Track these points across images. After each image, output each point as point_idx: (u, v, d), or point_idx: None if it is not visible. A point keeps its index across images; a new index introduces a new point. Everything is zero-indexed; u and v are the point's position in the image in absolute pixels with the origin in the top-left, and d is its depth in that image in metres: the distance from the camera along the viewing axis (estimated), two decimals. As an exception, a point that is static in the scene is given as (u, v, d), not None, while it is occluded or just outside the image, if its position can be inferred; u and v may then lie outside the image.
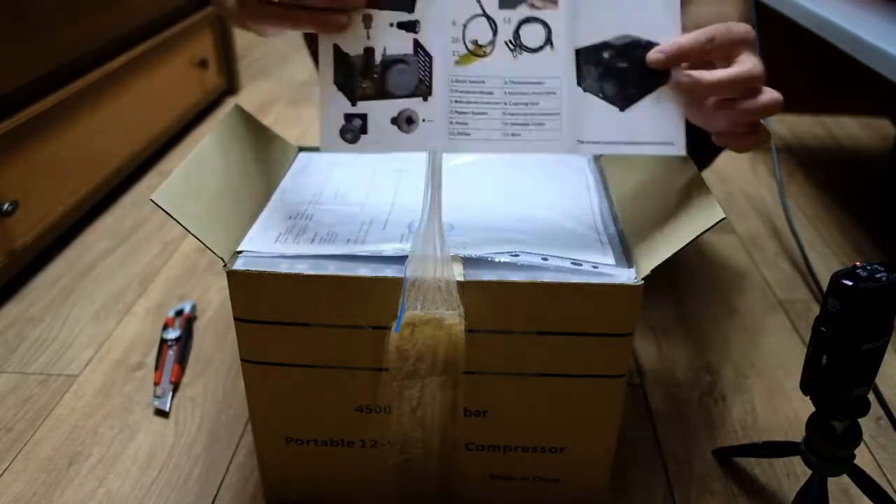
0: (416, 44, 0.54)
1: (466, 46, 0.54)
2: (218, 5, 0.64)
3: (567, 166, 0.72)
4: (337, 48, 0.54)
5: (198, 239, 0.53)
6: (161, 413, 0.78)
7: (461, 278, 0.54)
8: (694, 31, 0.54)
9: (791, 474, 0.71)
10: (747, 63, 0.53)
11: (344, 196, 0.66)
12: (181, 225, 0.52)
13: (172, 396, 0.80)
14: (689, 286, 1.02)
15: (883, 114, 1.62)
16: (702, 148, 0.70)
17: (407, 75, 0.54)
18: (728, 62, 0.54)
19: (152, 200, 0.51)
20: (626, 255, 0.58)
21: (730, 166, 1.39)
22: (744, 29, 0.54)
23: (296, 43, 1.97)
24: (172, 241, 1.11)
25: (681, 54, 0.54)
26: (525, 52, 0.54)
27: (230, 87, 1.75)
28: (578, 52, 0.55)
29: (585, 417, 0.60)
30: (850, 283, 0.51)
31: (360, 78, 0.54)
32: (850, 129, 1.58)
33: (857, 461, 0.60)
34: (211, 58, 1.61)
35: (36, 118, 1.01)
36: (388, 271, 0.55)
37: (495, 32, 0.54)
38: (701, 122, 0.57)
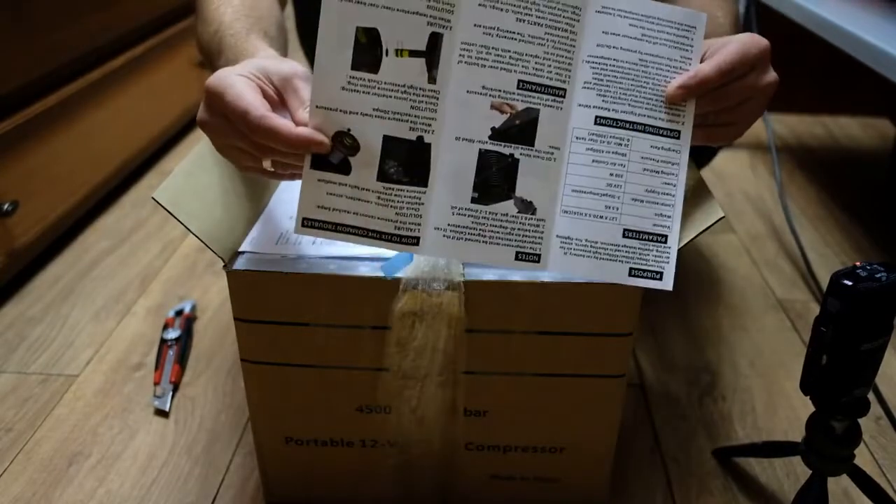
0: None
1: None
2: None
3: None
4: None
5: (199, 238, 0.53)
6: (161, 413, 0.78)
7: (461, 278, 0.54)
8: (712, 59, 0.53)
9: (791, 474, 0.71)
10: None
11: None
12: (182, 224, 0.52)
13: (172, 396, 0.80)
14: (688, 286, 1.02)
15: (883, 114, 1.62)
16: (701, 147, 0.70)
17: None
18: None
19: (154, 199, 0.51)
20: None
21: (730, 166, 1.39)
22: (759, 48, 0.53)
23: (293, 44, 1.96)
24: (172, 241, 1.11)
25: (702, 86, 0.53)
26: None
27: (230, 87, 1.75)
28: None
29: (585, 417, 0.60)
30: (850, 283, 0.51)
31: None
32: (850, 129, 1.58)
33: (857, 461, 0.60)
34: (211, 58, 1.61)
35: (36, 118, 1.01)
36: (389, 271, 0.55)
37: None
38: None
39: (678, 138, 0.54)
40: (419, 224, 0.52)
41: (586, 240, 0.54)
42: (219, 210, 0.58)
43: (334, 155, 0.51)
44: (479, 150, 0.52)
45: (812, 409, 0.59)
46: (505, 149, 0.52)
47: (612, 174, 0.54)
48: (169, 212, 0.51)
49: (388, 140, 0.51)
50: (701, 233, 0.51)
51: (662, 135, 0.54)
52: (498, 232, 0.53)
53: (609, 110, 0.53)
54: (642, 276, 0.54)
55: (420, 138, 0.51)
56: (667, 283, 0.54)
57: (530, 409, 0.60)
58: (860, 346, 0.53)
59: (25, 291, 1.00)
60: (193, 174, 0.56)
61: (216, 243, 0.54)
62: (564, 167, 0.53)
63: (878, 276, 0.51)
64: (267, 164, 0.54)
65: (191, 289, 1.00)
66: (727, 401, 0.80)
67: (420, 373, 0.57)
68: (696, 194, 0.56)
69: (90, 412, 0.78)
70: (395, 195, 0.51)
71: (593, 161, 0.53)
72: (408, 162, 0.51)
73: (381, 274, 0.54)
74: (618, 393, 0.59)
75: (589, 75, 0.53)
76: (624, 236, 0.54)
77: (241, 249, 0.57)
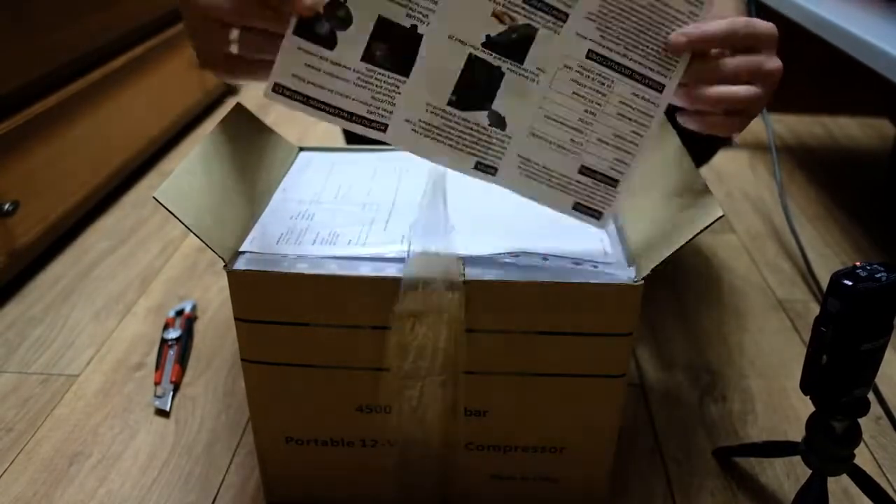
0: None
1: None
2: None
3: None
4: None
5: (199, 238, 0.53)
6: (161, 413, 0.78)
7: (461, 278, 0.54)
8: (720, 20, 0.52)
9: (791, 474, 0.71)
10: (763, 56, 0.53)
11: (345, 195, 0.66)
12: (183, 224, 0.52)
13: (173, 396, 0.80)
14: (689, 286, 1.02)
15: (883, 114, 1.62)
16: (699, 144, 0.70)
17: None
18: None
19: (155, 198, 0.51)
20: (625, 254, 0.58)
21: (729, 166, 1.39)
22: (767, 27, 0.53)
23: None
24: (173, 241, 1.11)
25: (704, 40, 0.52)
26: None
27: (230, 87, 1.75)
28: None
29: (585, 417, 0.60)
30: (850, 283, 0.51)
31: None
32: (849, 129, 1.58)
33: (857, 461, 0.60)
34: (211, 58, 1.61)
35: (36, 118, 1.01)
36: (389, 271, 0.55)
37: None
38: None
39: (660, 92, 0.54)
40: (391, 112, 0.53)
41: (544, 166, 0.55)
42: (219, 210, 0.58)
43: (322, 25, 0.50)
44: (470, 54, 0.52)
45: (812, 409, 0.59)
46: (494, 60, 0.52)
47: (587, 110, 0.54)
48: (170, 211, 0.51)
49: (381, 21, 0.51)
50: (700, 232, 0.51)
51: (647, 84, 0.54)
52: (465, 139, 0.54)
53: (603, 47, 0.53)
54: (583, 213, 0.57)
55: (414, 27, 0.51)
56: (602, 224, 0.57)
57: (530, 409, 0.60)
58: (860, 346, 0.53)
59: (26, 291, 1.00)
60: (194, 174, 0.56)
61: (216, 243, 0.54)
62: (544, 92, 0.54)
63: (878, 276, 0.51)
64: (234, 48, 0.52)
65: (191, 289, 1.00)
66: (727, 401, 0.80)
67: (420, 373, 0.57)
68: (695, 193, 0.56)
69: (91, 412, 0.78)
70: (375, 79, 0.52)
71: (573, 93, 0.54)
72: (396, 48, 0.51)
73: (381, 274, 0.54)
74: (618, 393, 0.59)
75: (595, 6, 0.52)
76: (580, 172, 0.55)
77: (241, 249, 0.57)
